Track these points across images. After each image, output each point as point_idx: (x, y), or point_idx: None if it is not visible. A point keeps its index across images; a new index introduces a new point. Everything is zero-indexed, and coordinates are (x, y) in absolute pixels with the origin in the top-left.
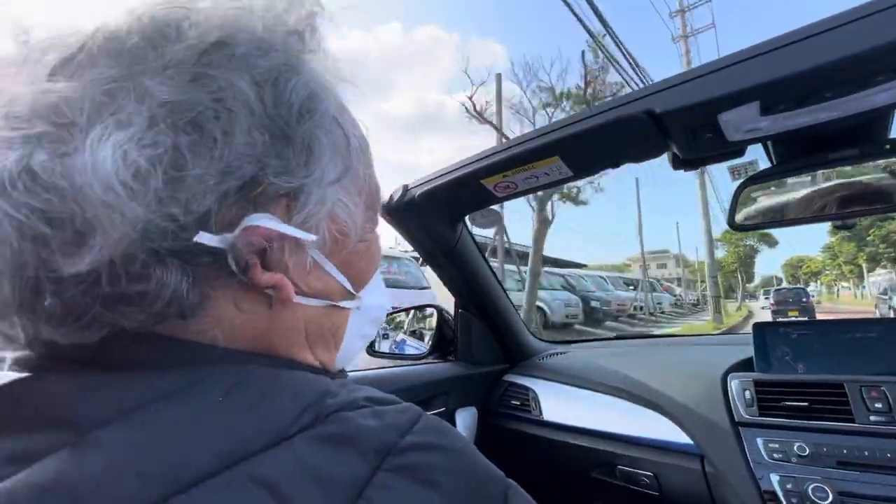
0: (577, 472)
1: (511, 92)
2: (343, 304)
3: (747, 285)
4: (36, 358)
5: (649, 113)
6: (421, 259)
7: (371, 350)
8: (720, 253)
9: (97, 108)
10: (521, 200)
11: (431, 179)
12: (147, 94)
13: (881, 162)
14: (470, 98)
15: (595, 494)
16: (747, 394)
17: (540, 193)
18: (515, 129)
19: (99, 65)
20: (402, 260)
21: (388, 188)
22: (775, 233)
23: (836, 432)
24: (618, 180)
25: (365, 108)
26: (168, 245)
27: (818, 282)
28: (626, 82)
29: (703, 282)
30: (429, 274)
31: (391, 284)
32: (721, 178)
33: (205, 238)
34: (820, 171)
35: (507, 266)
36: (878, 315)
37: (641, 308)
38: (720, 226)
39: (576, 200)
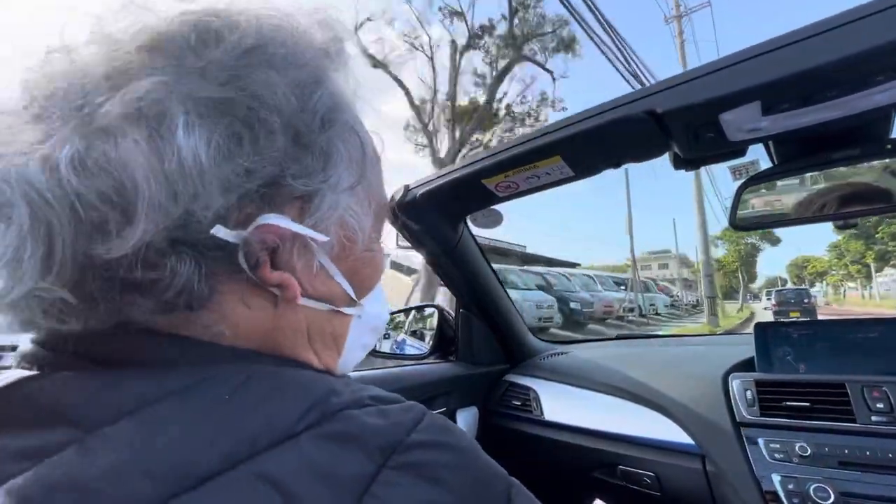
0: (578, 473)
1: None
2: (345, 309)
3: (751, 285)
4: (43, 355)
5: (651, 113)
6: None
7: (372, 350)
8: (720, 251)
9: (144, 102)
10: None
11: (433, 179)
12: (189, 95)
13: (882, 162)
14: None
15: (596, 494)
16: (749, 394)
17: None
18: (408, 72)
19: (150, 66)
20: None
21: (390, 188)
22: (778, 231)
23: (838, 432)
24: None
25: (365, 108)
26: (185, 236)
27: (824, 282)
28: (598, 46)
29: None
30: None
31: None
32: (720, 171)
33: (221, 232)
34: (821, 171)
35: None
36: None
37: (632, 310)
38: (720, 223)
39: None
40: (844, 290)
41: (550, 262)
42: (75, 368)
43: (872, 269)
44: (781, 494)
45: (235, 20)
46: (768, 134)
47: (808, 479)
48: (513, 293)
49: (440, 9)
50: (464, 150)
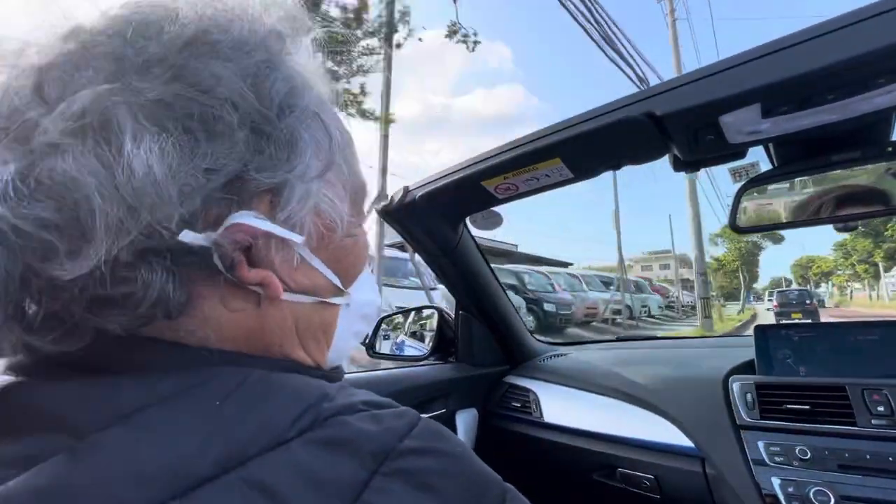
0: (578, 475)
1: None
2: (332, 300)
3: (754, 286)
4: (30, 362)
5: (650, 115)
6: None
7: (372, 351)
8: (720, 250)
9: (88, 113)
10: None
11: (432, 181)
12: (134, 95)
13: (883, 164)
14: None
15: (595, 497)
16: (748, 396)
17: None
18: None
19: (87, 68)
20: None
21: (394, 189)
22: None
23: (838, 435)
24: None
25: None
26: (153, 245)
27: (829, 283)
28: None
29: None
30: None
31: None
32: (719, 167)
33: (189, 237)
34: (821, 174)
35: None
36: None
37: (619, 311)
38: (720, 220)
39: None
40: (851, 291)
41: (541, 262)
42: (64, 375)
43: (881, 269)
44: (781, 497)
45: (174, 8)
46: (768, 136)
47: (808, 483)
48: None
49: None
50: None
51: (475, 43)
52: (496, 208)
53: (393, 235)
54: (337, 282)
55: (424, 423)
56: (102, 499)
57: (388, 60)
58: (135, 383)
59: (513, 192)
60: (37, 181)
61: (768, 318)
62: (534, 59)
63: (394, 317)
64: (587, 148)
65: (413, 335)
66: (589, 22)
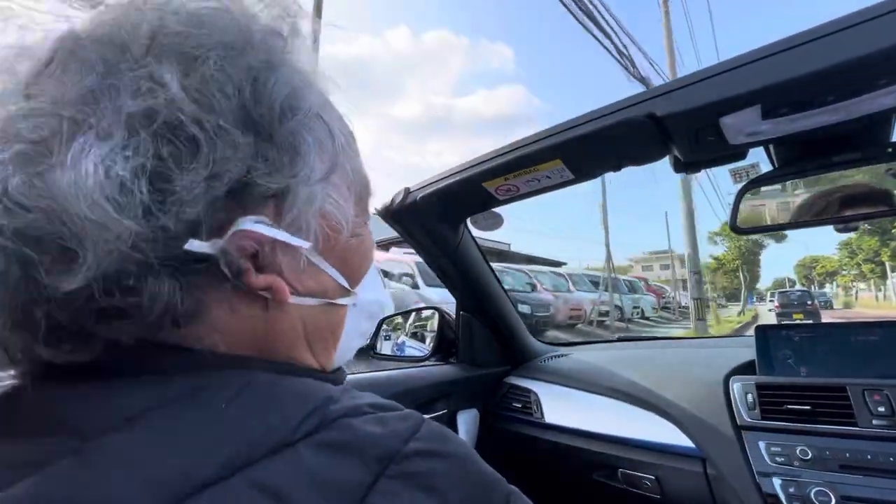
0: (579, 475)
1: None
2: (339, 301)
3: (756, 286)
4: (38, 368)
5: (651, 116)
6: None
7: (373, 352)
8: (719, 249)
9: (75, 121)
10: None
11: (433, 182)
12: (124, 102)
13: (883, 165)
14: None
15: (596, 497)
16: (749, 397)
17: None
18: None
19: (73, 73)
20: None
21: (397, 190)
22: None
23: (839, 436)
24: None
25: (373, 111)
26: (159, 255)
27: (833, 283)
28: None
29: (711, 283)
30: None
31: None
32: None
33: (195, 245)
34: (822, 175)
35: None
36: None
37: (607, 313)
38: (719, 218)
39: None
40: (856, 292)
41: (534, 261)
42: (71, 379)
43: (888, 268)
44: (782, 498)
45: (164, 11)
46: (769, 137)
47: (809, 483)
48: (431, 293)
49: None
50: None
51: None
52: (497, 209)
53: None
54: (344, 282)
55: (429, 426)
56: (108, 502)
57: None
58: (141, 387)
59: (514, 193)
60: (19, 193)
61: (770, 320)
62: (535, 59)
63: (394, 318)
64: (588, 149)
65: (414, 336)
66: None
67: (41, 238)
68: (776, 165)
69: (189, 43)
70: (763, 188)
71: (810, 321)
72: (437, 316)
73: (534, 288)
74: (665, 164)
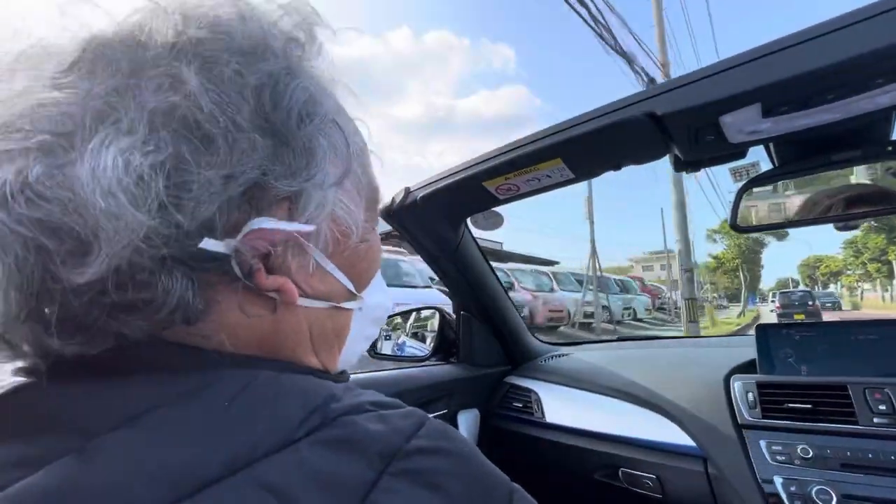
0: (580, 475)
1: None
2: (346, 304)
3: (759, 287)
4: (43, 364)
5: (651, 115)
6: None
7: (373, 352)
8: (718, 247)
9: (98, 117)
10: None
11: (433, 182)
12: (146, 100)
13: (883, 163)
14: None
15: (598, 497)
16: (750, 396)
17: None
18: None
19: (98, 73)
20: None
21: (397, 190)
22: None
23: (840, 434)
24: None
25: (375, 112)
26: (173, 252)
27: (838, 283)
28: None
29: (711, 283)
30: None
31: None
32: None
33: (209, 244)
34: (822, 173)
35: None
36: None
37: (593, 314)
38: (718, 215)
39: None
40: (861, 292)
41: (523, 260)
42: (74, 376)
43: (895, 267)
44: (784, 497)
45: (187, 16)
46: (769, 136)
47: (810, 482)
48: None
49: None
50: None
51: None
52: (496, 209)
53: None
54: (351, 287)
55: (431, 424)
56: (111, 499)
57: None
58: (144, 385)
59: (514, 193)
60: (41, 183)
61: (771, 321)
62: (537, 60)
63: (395, 317)
64: (588, 148)
65: (414, 336)
66: None
67: (58, 228)
68: (776, 164)
69: (211, 48)
70: (763, 187)
71: (811, 321)
72: (437, 316)
73: (511, 287)
74: (666, 162)
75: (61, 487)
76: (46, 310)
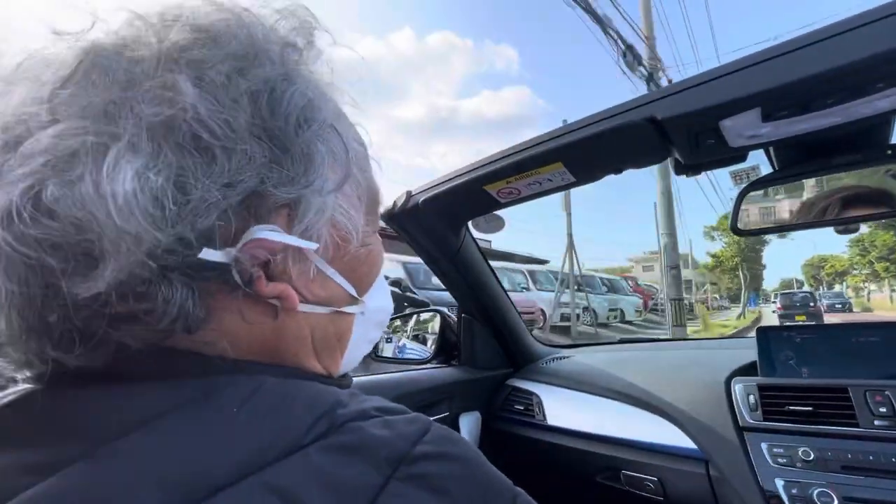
0: (582, 477)
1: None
2: (347, 309)
3: (762, 287)
4: (52, 373)
5: (651, 120)
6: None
7: (375, 355)
8: (717, 245)
9: (102, 132)
10: None
11: (435, 185)
12: (144, 113)
13: (883, 166)
14: None
15: (599, 499)
16: (751, 398)
17: None
18: None
19: (98, 85)
20: None
21: (400, 192)
22: None
23: (841, 437)
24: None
25: (377, 113)
26: (173, 263)
27: (844, 283)
28: None
29: (712, 283)
30: None
31: None
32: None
33: (209, 254)
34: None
35: None
36: None
37: (574, 316)
38: (716, 211)
39: None
40: (868, 292)
41: (513, 258)
42: (83, 383)
43: None
44: (785, 499)
45: (183, 25)
46: (769, 140)
47: (811, 484)
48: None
49: None
50: None
51: None
52: (497, 212)
53: None
54: (352, 291)
55: (436, 429)
56: (122, 502)
57: None
58: (152, 392)
59: (515, 196)
60: (40, 202)
61: (773, 323)
62: (540, 61)
63: (395, 320)
64: (589, 152)
65: (416, 338)
66: None
67: (64, 246)
68: (776, 167)
69: (204, 54)
70: (763, 190)
71: (813, 323)
72: (438, 318)
73: None
74: (666, 163)
75: (72, 494)
76: (49, 323)
